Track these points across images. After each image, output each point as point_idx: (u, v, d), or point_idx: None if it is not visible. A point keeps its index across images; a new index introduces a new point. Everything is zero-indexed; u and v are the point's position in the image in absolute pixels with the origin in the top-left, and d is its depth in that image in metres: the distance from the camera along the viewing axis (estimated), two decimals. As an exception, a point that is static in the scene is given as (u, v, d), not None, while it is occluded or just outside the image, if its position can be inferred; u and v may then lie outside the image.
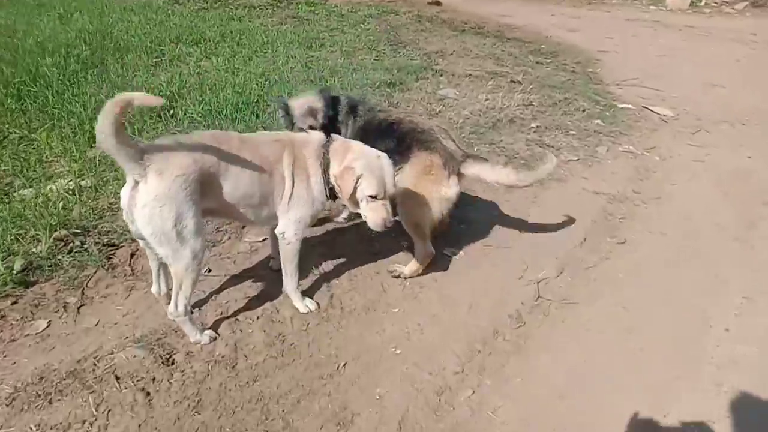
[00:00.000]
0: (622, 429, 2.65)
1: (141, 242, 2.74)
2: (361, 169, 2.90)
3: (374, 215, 2.96)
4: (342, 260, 3.78)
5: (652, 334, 3.26)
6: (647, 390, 2.86)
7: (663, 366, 3.04)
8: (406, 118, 3.70)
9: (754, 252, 4.19)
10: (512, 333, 3.24)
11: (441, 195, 3.43)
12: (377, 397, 2.73)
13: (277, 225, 3.06)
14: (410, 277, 3.63)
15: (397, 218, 3.26)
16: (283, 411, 2.59)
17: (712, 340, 3.23)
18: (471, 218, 4.40)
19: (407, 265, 3.67)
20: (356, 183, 2.89)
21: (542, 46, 10.74)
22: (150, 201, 2.45)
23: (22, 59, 6.83)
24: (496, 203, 4.67)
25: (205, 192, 2.63)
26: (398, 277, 3.64)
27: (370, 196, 2.92)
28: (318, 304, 3.30)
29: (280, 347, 2.96)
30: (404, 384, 2.82)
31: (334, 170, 2.97)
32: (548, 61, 9.75)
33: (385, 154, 3.05)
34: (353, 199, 2.97)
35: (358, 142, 3.13)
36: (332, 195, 3.08)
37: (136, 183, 2.47)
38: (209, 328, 3.00)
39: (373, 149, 3.05)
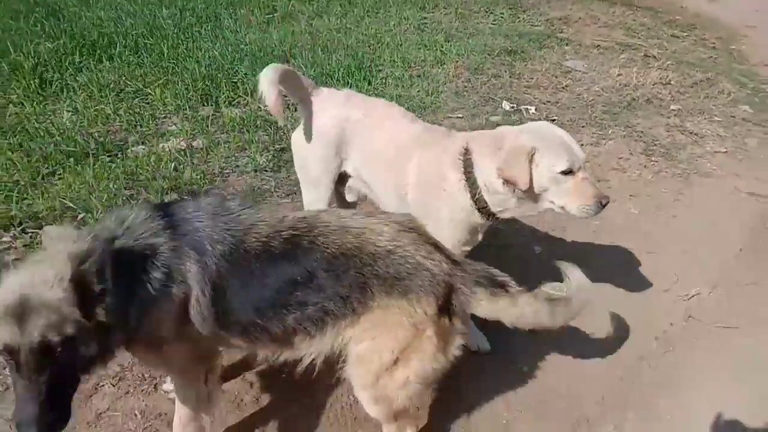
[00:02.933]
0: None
1: None
2: (533, 142, 2.18)
3: (579, 196, 2.20)
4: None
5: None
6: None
7: None
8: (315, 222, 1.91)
9: None
10: (660, 360, 2.79)
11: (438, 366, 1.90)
12: (504, 422, 2.40)
13: None
14: None
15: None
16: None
17: None
18: (604, 215, 3.89)
19: None
20: (533, 163, 2.17)
21: (677, 17, 9.67)
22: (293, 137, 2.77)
23: (140, 10, 6.84)
24: (636, 196, 4.13)
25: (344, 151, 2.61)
26: None
27: (562, 172, 2.19)
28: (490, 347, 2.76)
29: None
30: (534, 412, 2.46)
31: (491, 167, 2.24)
32: (685, 34, 8.75)
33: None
34: (533, 191, 2.22)
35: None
36: (484, 211, 2.34)
37: None
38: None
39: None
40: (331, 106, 2.63)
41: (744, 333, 3.00)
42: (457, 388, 2.51)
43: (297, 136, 2.75)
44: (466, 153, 2.33)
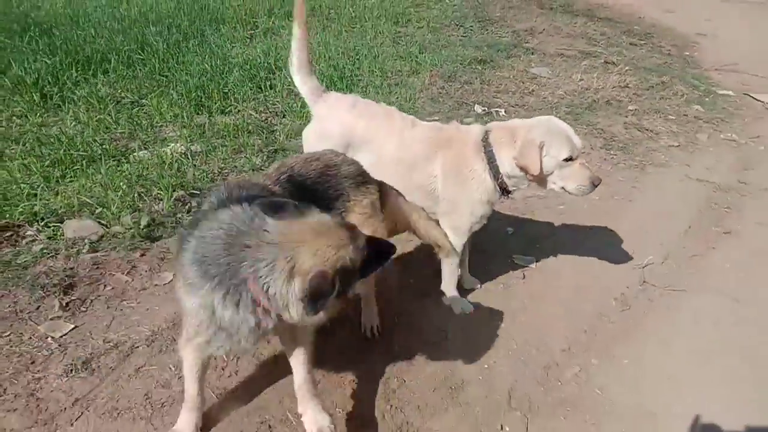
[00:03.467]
0: (733, 419, 2.60)
1: None
2: (542, 136, 2.67)
3: (577, 178, 2.74)
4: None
5: (766, 328, 3.16)
6: (761, 380, 2.80)
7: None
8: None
9: None
10: (618, 316, 3.21)
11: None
12: (486, 366, 2.79)
13: None
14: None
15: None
16: (399, 371, 2.68)
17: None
18: (570, 200, 4.34)
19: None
20: (542, 153, 2.66)
21: (635, 26, 10.33)
22: (304, 134, 3.10)
23: (129, 28, 7.17)
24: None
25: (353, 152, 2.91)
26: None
27: (565, 160, 2.69)
28: (473, 307, 3.19)
29: (390, 314, 3.04)
30: (512, 358, 2.86)
31: (508, 156, 2.76)
32: (642, 42, 9.38)
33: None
34: (542, 175, 2.72)
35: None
36: (504, 190, 2.89)
37: None
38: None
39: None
40: (339, 111, 3.00)
41: (690, 295, 3.44)
42: (444, 343, 2.90)
43: (308, 133, 3.10)
44: (486, 145, 2.82)
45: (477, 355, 2.84)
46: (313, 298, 1.68)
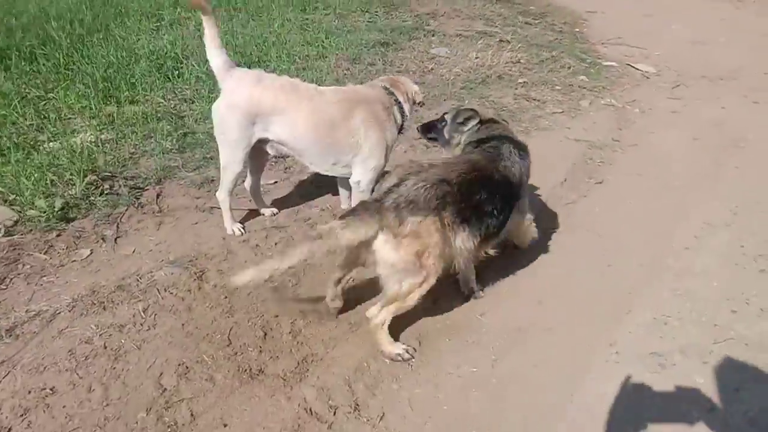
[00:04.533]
0: (593, 325, 3.09)
1: None
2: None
3: None
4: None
5: (620, 254, 3.71)
6: (614, 294, 3.33)
7: (627, 276, 3.49)
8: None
9: (719, 185, 4.64)
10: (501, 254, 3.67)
11: None
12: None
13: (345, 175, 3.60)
14: None
15: None
16: (305, 314, 3.02)
17: (673, 256, 3.69)
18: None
19: None
20: None
21: (531, 7, 10.99)
22: (214, 107, 3.37)
23: (30, 24, 7.08)
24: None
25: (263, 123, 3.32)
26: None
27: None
28: None
29: (296, 266, 3.36)
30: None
31: (405, 101, 3.62)
32: (537, 21, 10.02)
33: None
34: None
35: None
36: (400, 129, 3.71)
37: None
38: (236, 254, 3.44)
39: None
40: (245, 85, 3.30)
41: (562, 234, 3.95)
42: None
43: (217, 106, 3.36)
44: (391, 95, 3.56)
45: (375, 295, 3.21)
46: None
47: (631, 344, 2.92)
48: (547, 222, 4.08)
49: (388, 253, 2.52)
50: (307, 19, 8.72)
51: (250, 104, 3.27)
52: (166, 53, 6.40)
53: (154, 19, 8.04)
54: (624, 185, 4.67)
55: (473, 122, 3.41)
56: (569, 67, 7.59)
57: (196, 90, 5.67)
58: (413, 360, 2.79)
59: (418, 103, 3.82)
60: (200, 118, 5.11)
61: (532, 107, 6.18)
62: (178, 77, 5.99)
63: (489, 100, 6.18)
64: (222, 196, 3.55)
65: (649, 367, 2.76)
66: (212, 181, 4.17)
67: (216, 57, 3.31)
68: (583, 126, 5.83)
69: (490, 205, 2.81)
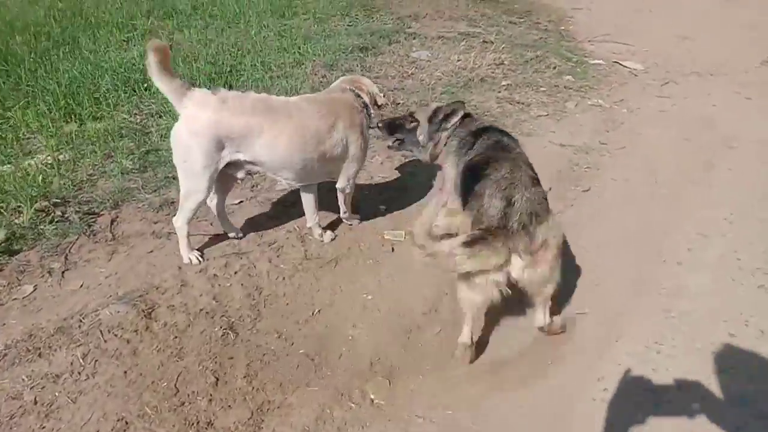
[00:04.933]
0: (581, 354, 2.85)
1: None
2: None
3: None
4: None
5: (608, 272, 3.46)
6: (602, 318, 3.08)
7: (616, 296, 3.26)
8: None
9: (711, 191, 4.39)
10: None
11: None
12: (350, 338, 2.91)
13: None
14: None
15: None
16: (263, 354, 2.76)
17: (664, 273, 3.44)
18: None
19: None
20: None
21: (516, 5, 10.73)
22: (173, 133, 3.06)
23: (-11, 39, 6.80)
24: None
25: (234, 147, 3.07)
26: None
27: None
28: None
29: (258, 298, 3.12)
30: (376, 327, 3.00)
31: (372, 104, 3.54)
32: (521, 20, 9.77)
33: None
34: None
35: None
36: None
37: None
38: (191, 286, 3.16)
39: None
40: (209, 109, 2.95)
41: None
42: (311, 320, 3.01)
43: (178, 132, 3.03)
44: (359, 97, 3.45)
45: (343, 327, 2.96)
46: None
47: (620, 378, 2.67)
48: (531, 237, 3.83)
49: (529, 274, 2.57)
50: (285, 24, 8.45)
51: (218, 129, 2.96)
52: (133, 66, 6.13)
53: (125, 30, 7.77)
54: (612, 192, 4.43)
55: (458, 116, 3.30)
56: (554, 67, 7.34)
57: (163, 104, 5.40)
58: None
59: (379, 106, 3.69)
60: (166, 134, 4.82)
61: (516, 111, 5.93)
62: (146, 90, 5.72)
63: (471, 104, 5.90)
64: (179, 223, 3.28)
65: (641, 407, 2.51)
66: (172, 202, 3.90)
67: (167, 83, 2.95)
68: (569, 129, 5.58)
69: None
